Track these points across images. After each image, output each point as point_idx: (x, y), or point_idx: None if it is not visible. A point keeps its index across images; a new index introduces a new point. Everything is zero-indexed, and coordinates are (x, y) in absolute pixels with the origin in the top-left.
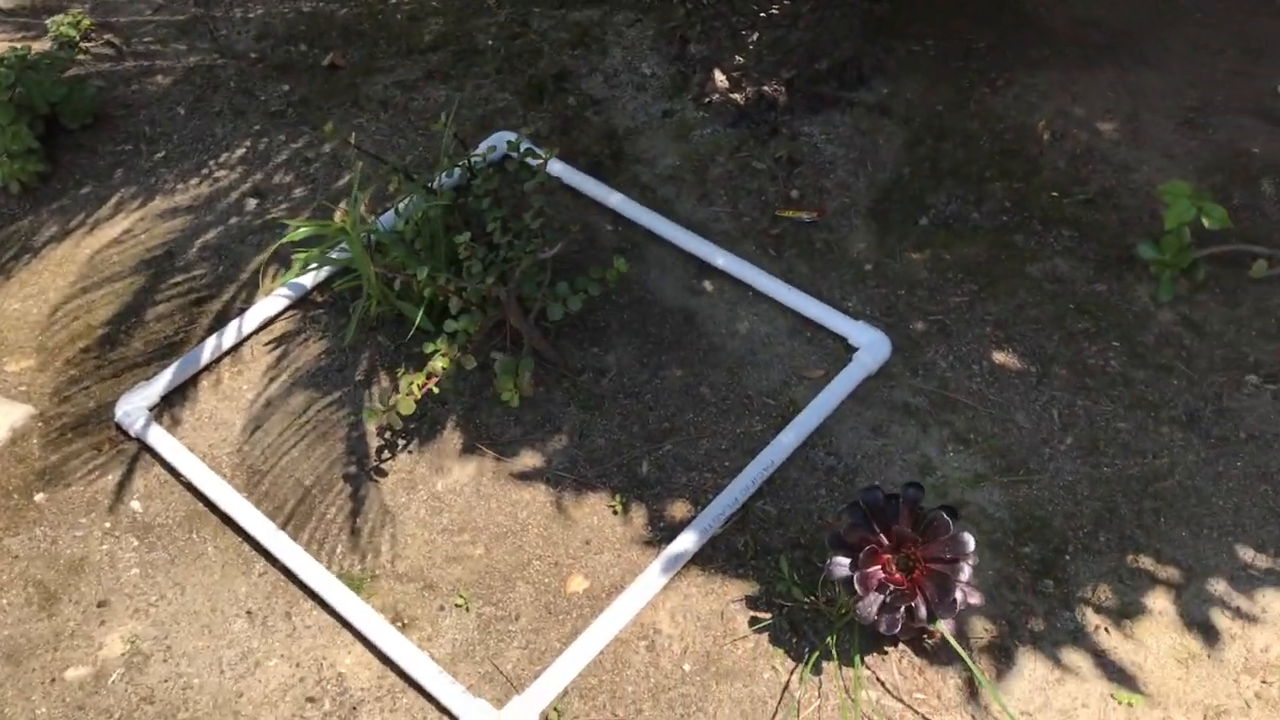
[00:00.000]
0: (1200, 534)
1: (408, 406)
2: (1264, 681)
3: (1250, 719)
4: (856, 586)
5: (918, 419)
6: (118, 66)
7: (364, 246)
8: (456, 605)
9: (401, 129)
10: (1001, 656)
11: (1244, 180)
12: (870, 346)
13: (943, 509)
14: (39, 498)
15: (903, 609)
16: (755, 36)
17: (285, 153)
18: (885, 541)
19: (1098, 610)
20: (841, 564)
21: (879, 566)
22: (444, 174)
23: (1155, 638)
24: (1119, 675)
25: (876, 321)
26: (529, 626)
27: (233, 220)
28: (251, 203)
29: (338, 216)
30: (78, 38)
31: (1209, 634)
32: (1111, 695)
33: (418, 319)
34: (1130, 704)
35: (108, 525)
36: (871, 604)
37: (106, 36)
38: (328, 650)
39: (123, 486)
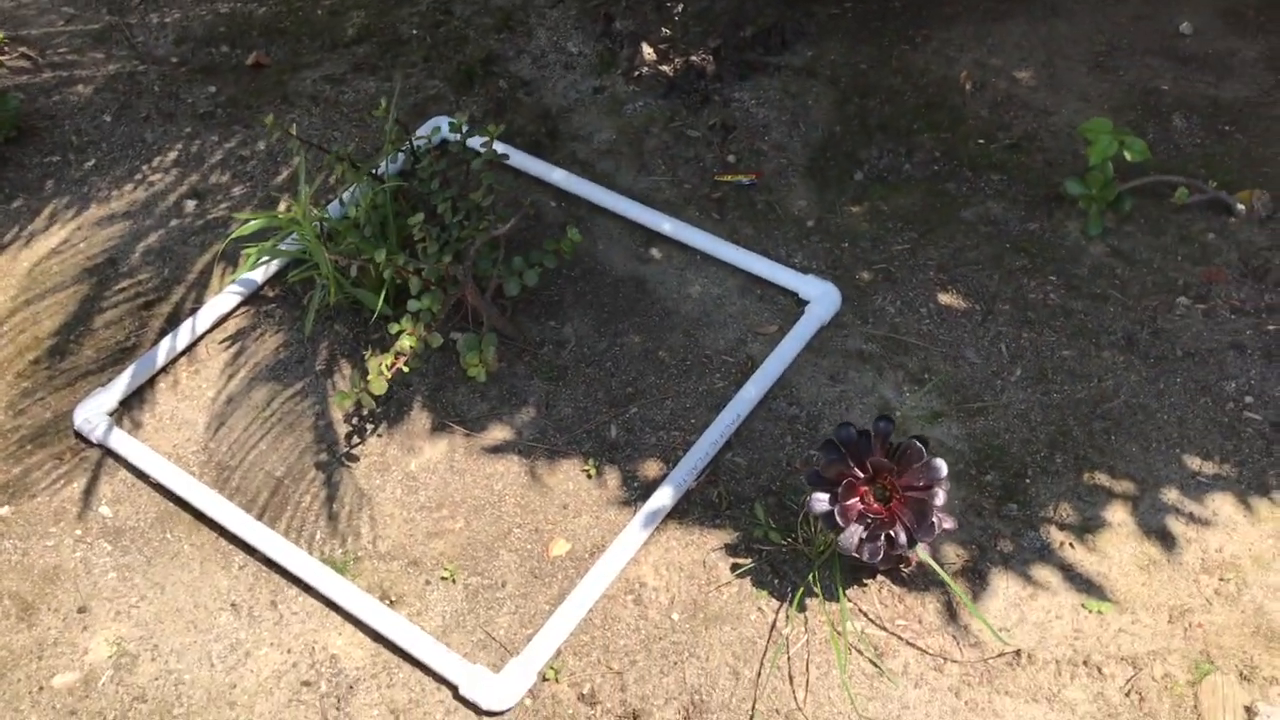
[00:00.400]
0: (1149, 448)
1: (380, 386)
2: (1221, 579)
3: (1212, 615)
4: (838, 519)
5: (872, 364)
6: (35, 78)
7: (316, 235)
8: (442, 578)
9: (335, 121)
10: (975, 579)
11: (1156, 116)
12: (821, 298)
13: (914, 439)
14: (3, 511)
15: (883, 537)
16: (680, 8)
17: (219, 153)
18: (861, 474)
19: (1061, 527)
20: (821, 499)
21: (857, 498)
22: (389, 160)
23: (1117, 548)
24: (1087, 586)
25: (824, 274)
26: (516, 592)
27: (173, 223)
28: (190, 204)
29: (282, 207)
30: None
31: (1166, 540)
32: (1082, 605)
33: (379, 304)
34: (1100, 611)
35: (78, 533)
36: (853, 535)
37: (20, 49)
38: (318, 634)
39: (89, 493)
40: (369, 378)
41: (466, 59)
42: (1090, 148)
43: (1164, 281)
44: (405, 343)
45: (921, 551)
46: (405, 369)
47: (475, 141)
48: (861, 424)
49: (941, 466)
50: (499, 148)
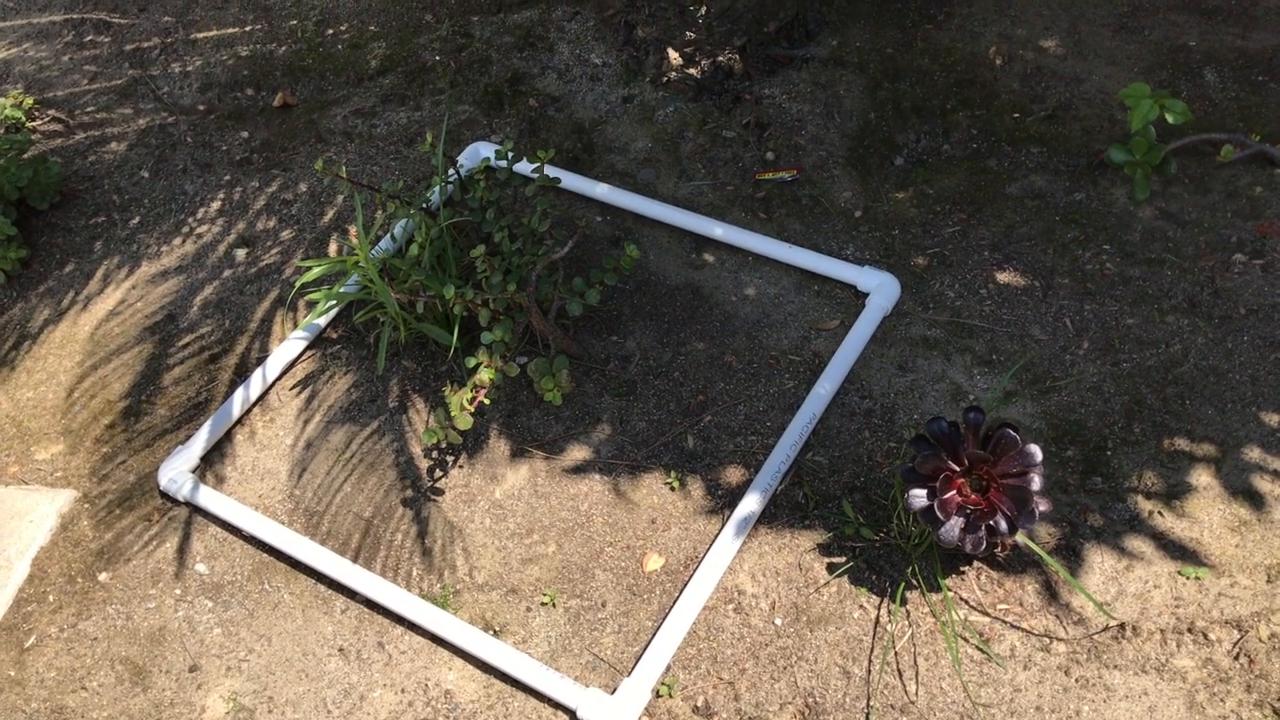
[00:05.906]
0: (1225, 409)
1: (465, 422)
2: None
3: None
4: (937, 513)
5: (939, 349)
6: (69, 141)
7: (379, 275)
8: (542, 604)
9: (371, 156)
10: (1070, 556)
11: (1187, 73)
12: (880, 289)
13: (1005, 427)
14: (103, 577)
15: (983, 528)
16: (702, 10)
17: (262, 198)
18: (956, 467)
19: (1148, 496)
20: (919, 495)
21: (954, 491)
22: (436, 192)
23: (1206, 512)
24: (1181, 553)
25: (879, 264)
26: (617, 611)
27: (226, 273)
28: (240, 253)
29: (332, 249)
30: (23, 118)
31: (1254, 499)
32: (1179, 572)
33: (454, 339)
34: (1198, 577)
35: (178, 592)
36: (953, 528)
37: (50, 113)
38: (429, 670)
39: (183, 551)
40: (453, 414)
41: (493, 80)
42: (1131, 113)
43: (1218, 240)
44: (485, 375)
45: (1019, 535)
46: (486, 401)
47: (523, 166)
48: (950, 416)
49: (1036, 452)
50: (549, 171)
